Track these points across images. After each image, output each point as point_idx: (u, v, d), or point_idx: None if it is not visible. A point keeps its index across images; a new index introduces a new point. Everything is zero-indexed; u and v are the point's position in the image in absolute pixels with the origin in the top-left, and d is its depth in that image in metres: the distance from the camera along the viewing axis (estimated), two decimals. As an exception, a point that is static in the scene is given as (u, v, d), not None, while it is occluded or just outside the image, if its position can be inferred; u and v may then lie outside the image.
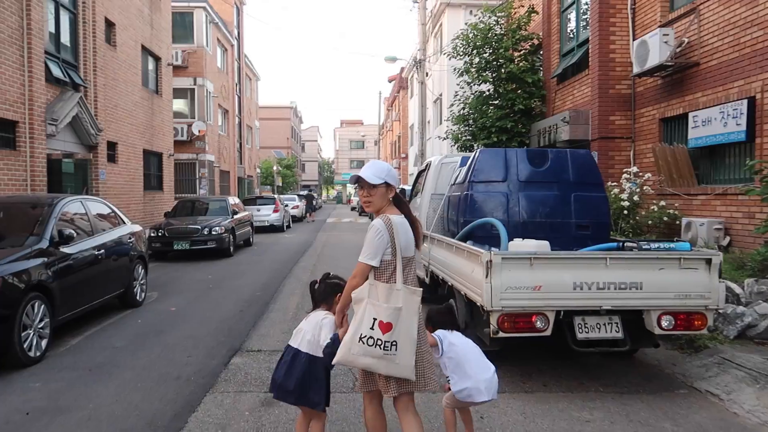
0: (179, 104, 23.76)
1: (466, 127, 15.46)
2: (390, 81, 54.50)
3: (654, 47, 9.19)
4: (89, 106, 13.04)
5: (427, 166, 8.33)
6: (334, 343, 3.05)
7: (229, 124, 29.17)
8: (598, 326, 4.49)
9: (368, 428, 3.17)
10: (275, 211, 23.84)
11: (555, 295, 4.36)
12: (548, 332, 4.40)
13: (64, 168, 12.45)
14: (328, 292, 3.38)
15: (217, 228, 14.44)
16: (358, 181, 3.06)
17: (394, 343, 2.86)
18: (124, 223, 8.39)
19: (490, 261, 4.34)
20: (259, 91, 39.91)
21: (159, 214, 16.63)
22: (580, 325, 4.47)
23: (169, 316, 7.81)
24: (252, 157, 36.58)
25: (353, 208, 46.01)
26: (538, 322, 4.37)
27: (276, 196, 25.82)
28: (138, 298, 8.40)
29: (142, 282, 8.63)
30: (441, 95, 24.97)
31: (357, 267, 2.97)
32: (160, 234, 14.15)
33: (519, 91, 13.92)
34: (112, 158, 14.60)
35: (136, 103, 16.13)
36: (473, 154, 6.38)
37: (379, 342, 2.85)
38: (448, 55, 15.15)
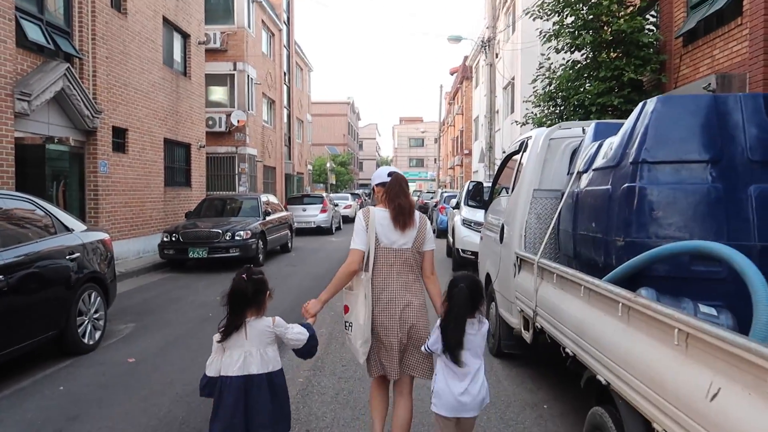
0: (218, 93, 21.47)
1: (553, 108, 12.17)
2: (452, 74, 51.19)
3: None
4: (85, 82, 10.63)
5: (521, 146, 5.21)
6: (313, 332, 2.91)
7: (276, 116, 26.78)
8: None
9: (370, 408, 3.39)
10: (323, 211, 21.20)
11: None
12: None
13: (49, 156, 10.08)
14: (260, 291, 2.84)
15: (241, 232, 11.79)
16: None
17: (350, 324, 3.16)
18: (68, 230, 5.72)
19: None
20: (311, 83, 37.52)
21: (182, 215, 14.19)
22: None
23: (116, 376, 5.06)
24: (303, 153, 34.19)
25: (411, 209, 42.83)
26: None
27: (324, 194, 23.18)
28: (87, 340, 5.73)
29: (96, 315, 5.94)
30: (513, 79, 21.59)
31: (349, 253, 3.14)
32: (174, 239, 11.64)
33: (628, 58, 10.50)
34: (120, 147, 12.20)
35: (155, 84, 13.73)
36: (639, 109, 3.21)
37: (345, 323, 3.23)
38: (532, 14, 11.87)
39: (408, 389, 3.21)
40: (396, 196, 3.11)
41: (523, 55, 20.11)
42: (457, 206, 12.25)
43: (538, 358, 5.13)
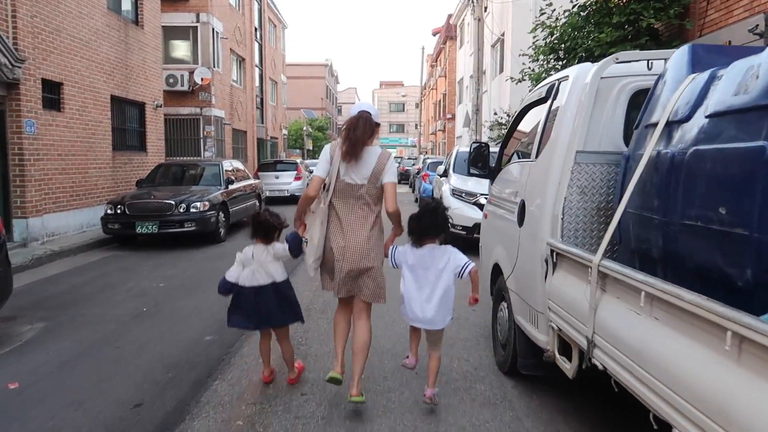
0: (179, 48, 19.48)
1: (555, 62, 10.69)
2: (434, 34, 49.08)
3: None
4: (1, 23, 8.84)
5: (550, 91, 3.72)
6: (295, 237, 3.56)
7: (247, 75, 24.81)
8: None
9: (333, 333, 3.72)
10: (297, 178, 19.64)
11: None
12: None
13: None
14: (273, 230, 3.67)
15: (197, 203, 10.23)
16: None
17: (306, 241, 3.53)
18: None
19: None
20: (286, 42, 35.31)
21: (135, 182, 12.52)
22: None
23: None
24: (277, 117, 32.23)
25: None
26: None
27: (299, 161, 21.53)
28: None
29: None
30: (503, 35, 19.96)
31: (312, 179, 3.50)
32: (119, 211, 10.04)
33: (646, 1, 9.00)
34: (53, 104, 10.44)
35: (98, 32, 11.88)
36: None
37: (302, 239, 3.56)
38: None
39: (364, 314, 3.52)
40: (348, 131, 3.32)
41: (514, 9, 18.47)
42: (445, 174, 10.82)
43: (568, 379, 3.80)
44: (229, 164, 12.77)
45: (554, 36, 10.49)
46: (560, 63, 10.68)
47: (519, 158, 4.17)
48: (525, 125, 4.27)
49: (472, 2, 19.93)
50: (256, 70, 26.66)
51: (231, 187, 11.90)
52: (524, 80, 11.60)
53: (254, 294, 3.57)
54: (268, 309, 3.60)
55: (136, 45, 13.76)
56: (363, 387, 3.50)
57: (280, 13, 31.62)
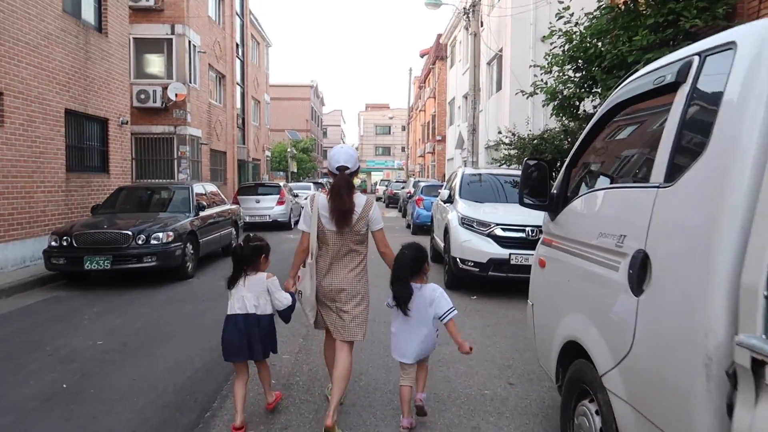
0: (153, 62, 18.00)
1: (575, 72, 9.39)
2: (422, 56, 48.24)
3: None
4: None
5: (684, 73, 2.25)
6: (293, 302, 3.68)
7: (227, 93, 23.34)
8: None
9: (325, 361, 3.96)
10: (280, 203, 18.11)
11: None
12: None
13: None
14: (255, 255, 3.66)
15: (159, 234, 8.65)
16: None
17: (300, 292, 3.67)
18: None
19: None
20: (270, 61, 33.99)
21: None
22: None
23: None
24: (260, 138, 30.72)
25: (379, 198, 39.58)
26: None
27: (282, 183, 19.98)
28: None
29: None
30: (501, 51, 18.77)
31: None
32: (65, 243, 8.43)
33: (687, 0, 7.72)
34: (-11, 117, 8.87)
35: (50, 37, 10.37)
36: None
37: (296, 290, 3.71)
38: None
39: (346, 347, 3.62)
40: (335, 197, 3.48)
41: (513, 23, 17.31)
42: (449, 200, 9.35)
43: None
44: (201, 187, 11.22)
45: (573, 43, 9.19)
46: (578, 74, 9.39)
47: (615, 182, 2.70)
48: (618, 132, 2.81)
49: (467, 17, 18.80)
50: (238, 88, 25.23)
51: (203, 213, 10.34)
52: (536, 93, 10.26)
53: (242, 320, 3.57)
54: (252, 335, 3.58)
55: (99, 54, 12.25)
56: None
57: (263, 30, 30.36)
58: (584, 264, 2.81)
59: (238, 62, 25.06)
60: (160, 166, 17.71)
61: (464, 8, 19.18)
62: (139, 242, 8.49)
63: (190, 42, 17.98)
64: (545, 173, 3.33)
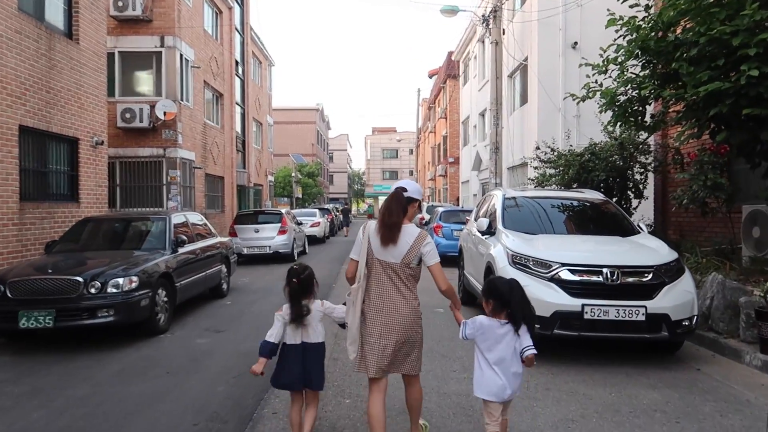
0: (141, 79, 16.28)
1: (645, 66, 7.49)
2: (431, 76, 46.74)
3: None
4: None
5: None
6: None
7: (225, 113, 21.60)
8: None
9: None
10: (281, 232, 16.19)
11: None
12: None
13: None
14: (310, 282, 3.69)
15: (119, 280, 6.70)
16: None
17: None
18: None
19: None
20: (273, 81, 32.35)
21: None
22: None
23: None
24: (262, 162, 28.93)
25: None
26: None
27: (284, 210, 18.08)
28: None
29: None
30: (526, 60, 16.94)
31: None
32: (-1, 293, 6.49)
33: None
34: None
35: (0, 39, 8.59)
36: None
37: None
38: None
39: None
40: (383, 216, 3.42)
41: (540, 28, 15.51)
42: (489, 230, 7.32)
43: None
44: (181, 218, 9.29)
45: (640, 32, 7.29)
46: (645, 71, 7.49)
47: None
48: None
49: (486, 26, 17.06)
50: (237, 109, 23.51)
51: (182, 250, 8.39)
52: (590, 97, 8.33)
53: (301, 350, 3.58)
54: (313, 366, 3.59)
55: (67, 63, 10.47)
56: None
57: (266, 48, 28.82)
58: None
59: (237, 81, 23.39)
60: (148, 193, 15.85)
61: (483, 15, 17.45)
62: (92, 291, 6.54)
63: (181, 55, 16.28)
64: None
